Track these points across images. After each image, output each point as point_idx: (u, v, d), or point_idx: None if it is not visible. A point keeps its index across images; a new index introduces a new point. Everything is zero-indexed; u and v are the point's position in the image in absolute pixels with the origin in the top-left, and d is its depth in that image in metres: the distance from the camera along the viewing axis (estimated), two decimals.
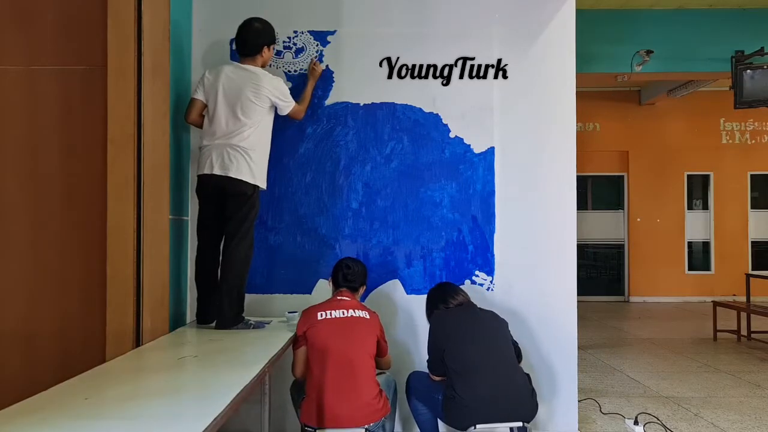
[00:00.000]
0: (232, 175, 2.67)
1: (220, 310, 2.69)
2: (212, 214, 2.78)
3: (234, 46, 2.91)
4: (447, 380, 2.58)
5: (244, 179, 2.69)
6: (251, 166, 2.71)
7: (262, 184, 2.80)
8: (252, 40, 2.85)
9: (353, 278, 2.72)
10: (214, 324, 2.76)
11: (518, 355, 2.71)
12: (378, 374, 2.82)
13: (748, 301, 6.20)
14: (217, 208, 2.77)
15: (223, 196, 2.73)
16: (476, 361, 2.51)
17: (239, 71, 2.80)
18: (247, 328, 2.70)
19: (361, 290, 2.82)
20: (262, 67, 2.88)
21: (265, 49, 2.89)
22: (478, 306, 2.81)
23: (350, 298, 2.67)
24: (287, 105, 2.89)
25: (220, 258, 2.77)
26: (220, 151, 2.69)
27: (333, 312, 2.53)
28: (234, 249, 2.70)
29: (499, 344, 2.61)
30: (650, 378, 4.73)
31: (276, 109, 2.89)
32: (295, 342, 2.59)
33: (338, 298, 2.65)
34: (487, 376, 2.48)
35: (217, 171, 2.68)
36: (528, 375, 2.66)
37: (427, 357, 2.73)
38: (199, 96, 2.82)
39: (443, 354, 2.56)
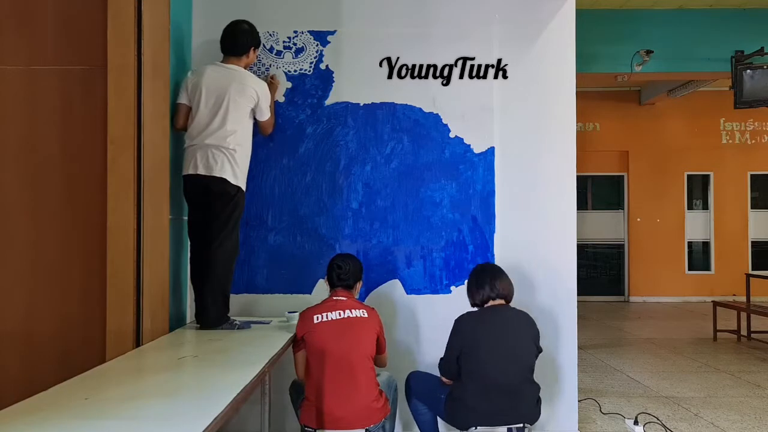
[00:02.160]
0: (216, 174, 2.66)
1: (204, 309, 2.69)
2: (201, 214, 2.76)
3: (221, 46, 2.90)
4: (457, 382, 2.55)
5: (227, 178, 2.68)
6: (234, 167, 2.70)
7: (243, 186, 2.80)
8: (242, 40, 2.87)
9: (346, 277, 2.67)
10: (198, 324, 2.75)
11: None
12: (378, 374, 2.82)
13: (748, 301, 6.20)
14: (205, 208, 2.74)
15: (208, 196, 2.70)
16: (490, 366, 2.45)
17: (223, 70, 2.80)
18: (231, 328, 2.69)
19: (358, 286, 2.75)
20: (245, 68, 2.89)
21: (252, 50, 2.92)
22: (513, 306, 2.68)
23: (346, 297, 2.64)
24: (267, 110, 2.91)
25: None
26: (204, 152, 2.68)
27: (329, 314, 2.51)
28: (217, 249, 2.69)
29: (517, 351, 2.51)
30: (650, 378, 4.73)
31: (254, 113, 2.88)
32: (294, 345, 2.59)
33: (334, 298, 2.62)
34: (501, 390, 2.44)
35: (201, 171, 2.67)
36: (538, 385, 2.59)
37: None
38: (183, 100, 2.80)
39: (459, 354, 2.51)
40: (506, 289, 2.63)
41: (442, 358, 2.66)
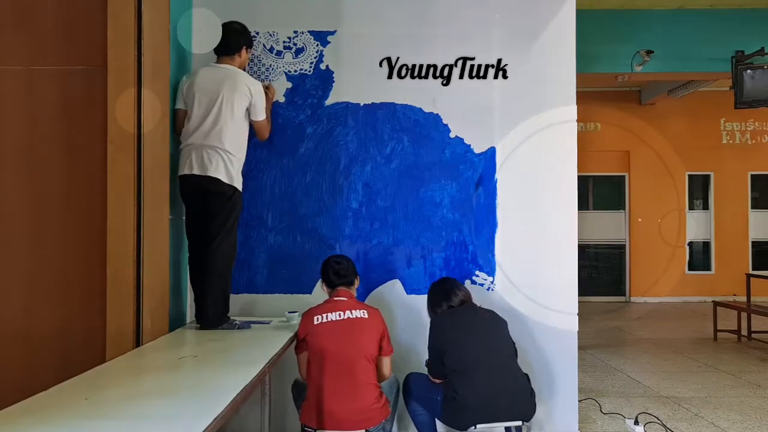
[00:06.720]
0: (211, 174, 2.66)
1: (204, 310, 2.69)
2: (198, 214, 2.76)
3: (214, 47, 2.90)
4: (447, 382, 2.57)
5: (222, 179, 2.68)
6: (228, 167, 2.70)
7: (239, 186, 2.79)
8: (234, 40, 2.87)
9: (345, 272, 2.68)
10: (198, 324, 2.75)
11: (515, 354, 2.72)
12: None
13: (749, 301, 6.19)
14: (201, 208, 2.74)
15: (204, 196, 2.70)
16: (476, 360, 2.51)
17: (217, 70, 2.80)
18: (231, 328, 2.69)
19: (357, 282, 2.77)
20: (240, 68, 2.88)
21: (244, 49, 2.92)
22: (479, 305, 2.81)
23: (348, 297, 2.64)
24: (261, 110, 2.88)
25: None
26: (200, 152, 2.68)
27: (330, 315, 2.52)
28: (216, 249, 2.69)
29: (498, 343, 2.62)
30: (650, 378, 4.73)
31: (249, 113, 2.87)
32: (297, 346, 2.59)
33: (335, 299, 2.63)
34: (486, 375, 2.48)
35: (196, 171, 2.67)
36: (527, 375, 2.67)
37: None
38: (180, 105, 2.81)
39: (443, 355, 2.56)
40: (467, 295, 2.79)
41: (428, 362, 2.72)
